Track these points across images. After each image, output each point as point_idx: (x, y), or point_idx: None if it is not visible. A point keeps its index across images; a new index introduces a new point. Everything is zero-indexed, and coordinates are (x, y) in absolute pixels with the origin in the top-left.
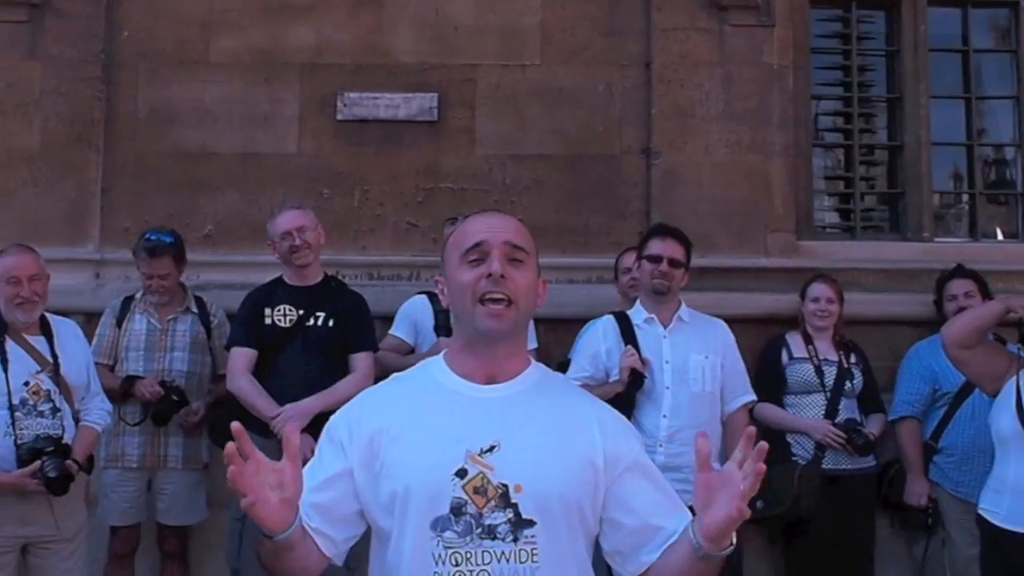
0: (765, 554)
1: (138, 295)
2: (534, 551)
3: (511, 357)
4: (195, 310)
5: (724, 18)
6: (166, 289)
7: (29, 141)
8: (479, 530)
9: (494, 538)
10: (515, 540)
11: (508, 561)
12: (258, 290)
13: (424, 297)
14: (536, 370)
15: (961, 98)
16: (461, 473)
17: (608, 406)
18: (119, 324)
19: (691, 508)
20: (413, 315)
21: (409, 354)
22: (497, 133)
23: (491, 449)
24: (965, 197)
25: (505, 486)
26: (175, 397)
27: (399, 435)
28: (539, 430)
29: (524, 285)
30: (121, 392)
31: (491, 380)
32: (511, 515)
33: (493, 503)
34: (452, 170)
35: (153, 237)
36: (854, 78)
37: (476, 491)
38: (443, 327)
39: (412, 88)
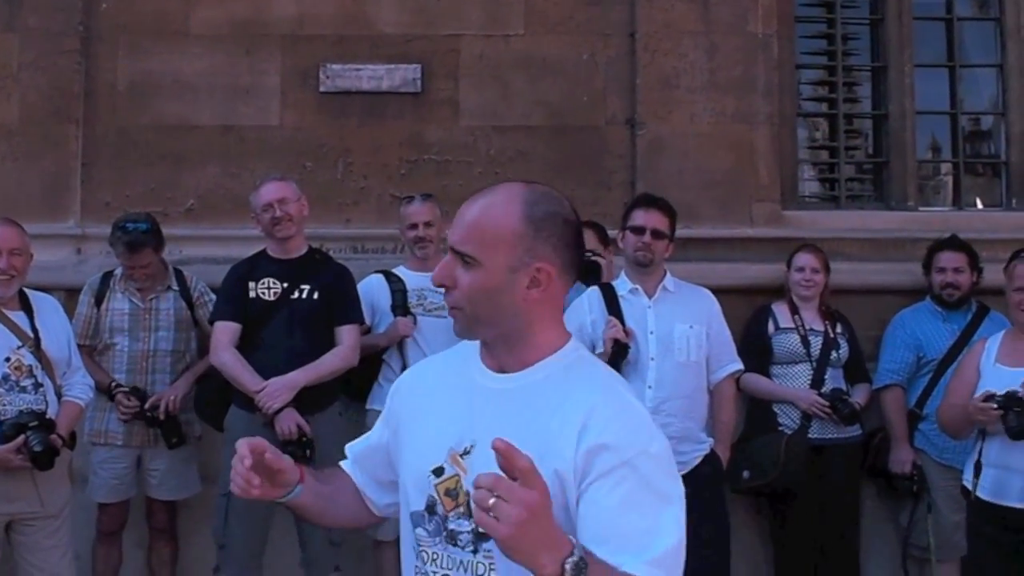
0: (752, 524)
1: (118, 272)
2: (492, 565)
3: (515, 349)
4: (176, 287)
5: None
6: (147, 276)
7: (7, 115)
8: (444, 534)
9: (455, 545)
10: (475, 551)
11: (466, 571)
12: (241, 263)
13: (380, 276)
14: (560, 358)
15: (944, 67)
16: (438, 471)
17: (621, 396)
18: (98, 303)
19: None
20: (369, 295)
21: (367, 334)
22: (481, 104)
23: (469, 450)
24: (948, 166)
25: None
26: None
27: (412, 419)
28: (518, 435)
29: (470, 288)
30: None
31: (501, 370)
32: (473, 525)
33: (461, 509)
34: (436, 141)
35: (130, 227)
36: (838, 47)
37: (447, 493)
38: (400, 307)
39: (395, 59)
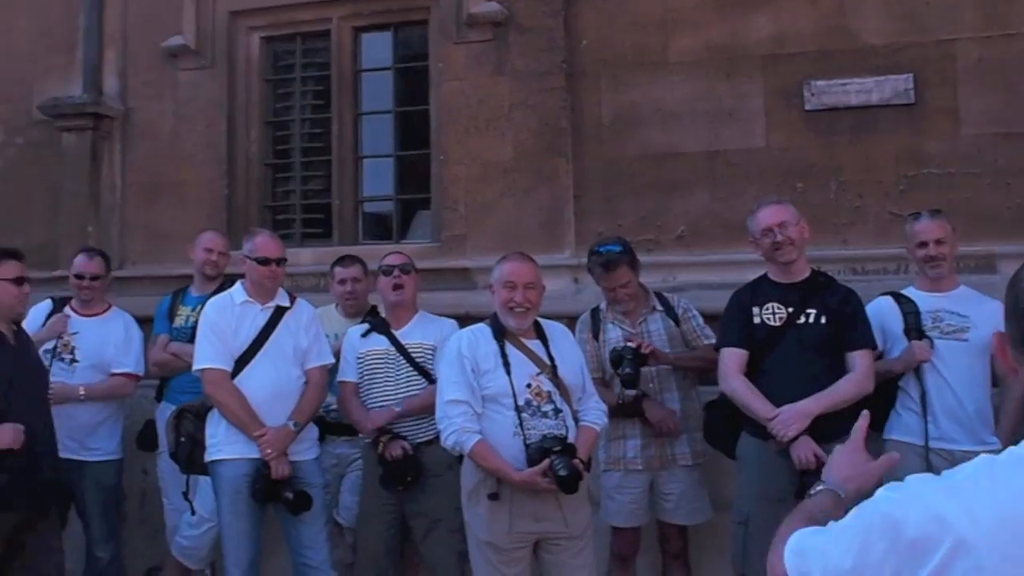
0: None
1: (602, 306)
2: None
3: None
4: (660, 307)
5: None
6: (630, 296)
7: (503, 153)
8: None
9: None
10: None
11: None
12: (744, 289)
13: (889, 298)
14: None
15: None
16: None
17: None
18: (595, 337)
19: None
20: (879, 318)
21: (879, 359)
22: (984, 111)
23: None
24: None
25: None
26: None
27: None
28: None
29: None
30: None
31: None
32: None
33: None
34: (936, 154)
35: (603, 249)
36: None
37: None
38: (914, 330)
39: (883, 71)
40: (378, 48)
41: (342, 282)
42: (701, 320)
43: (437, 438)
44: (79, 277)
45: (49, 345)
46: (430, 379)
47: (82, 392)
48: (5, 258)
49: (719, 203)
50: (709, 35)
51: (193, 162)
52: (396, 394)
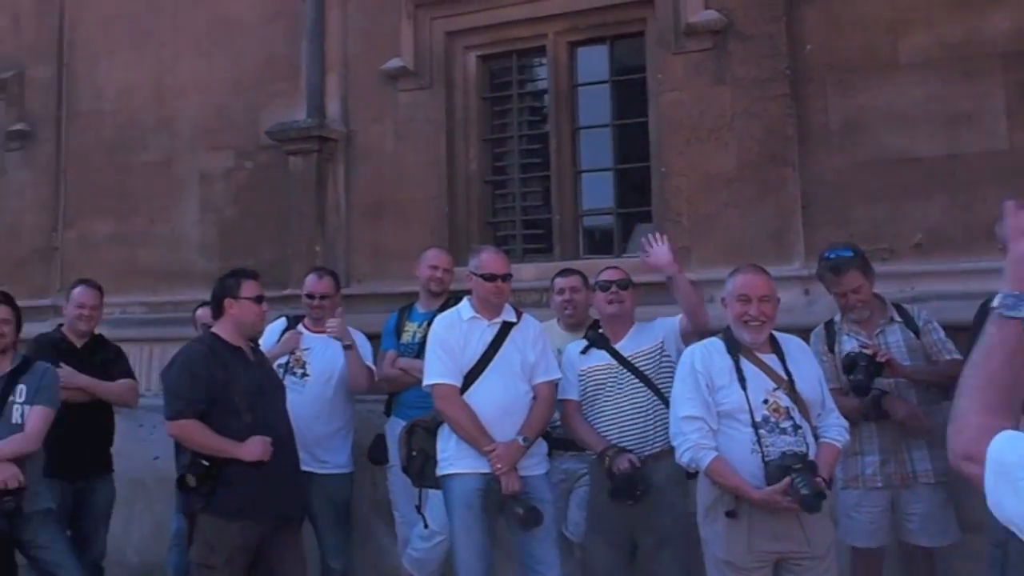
0: None
1: (836, 318)
2: None
3: None
4: (899, 319)
5: None
6: (863, 303)
7: (726, 164)
8: None
9: None
10: None
11: None
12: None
13: None
14: None
15: None
16: None
17: None
18: (831, 349)
19: None
20: None
21: None
22: None
23: None
24: None
25: None
26: None
27: None
28: None
29: None
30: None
31: None
32: None
33: None
34: None
35: (832, 255)
36: None
37: None
38: None
39: None
40: (594, 62)
41: (560, 292)
42: (943, 333)
43: (664, 451)
44: (310, 296)
45: (282, 360)
46: (655, 389)
47: (348, 342)
48: (245, 278)
49: (959, 209)
50: (942, 33)
51: (414, 181)
52: (620, 408)
